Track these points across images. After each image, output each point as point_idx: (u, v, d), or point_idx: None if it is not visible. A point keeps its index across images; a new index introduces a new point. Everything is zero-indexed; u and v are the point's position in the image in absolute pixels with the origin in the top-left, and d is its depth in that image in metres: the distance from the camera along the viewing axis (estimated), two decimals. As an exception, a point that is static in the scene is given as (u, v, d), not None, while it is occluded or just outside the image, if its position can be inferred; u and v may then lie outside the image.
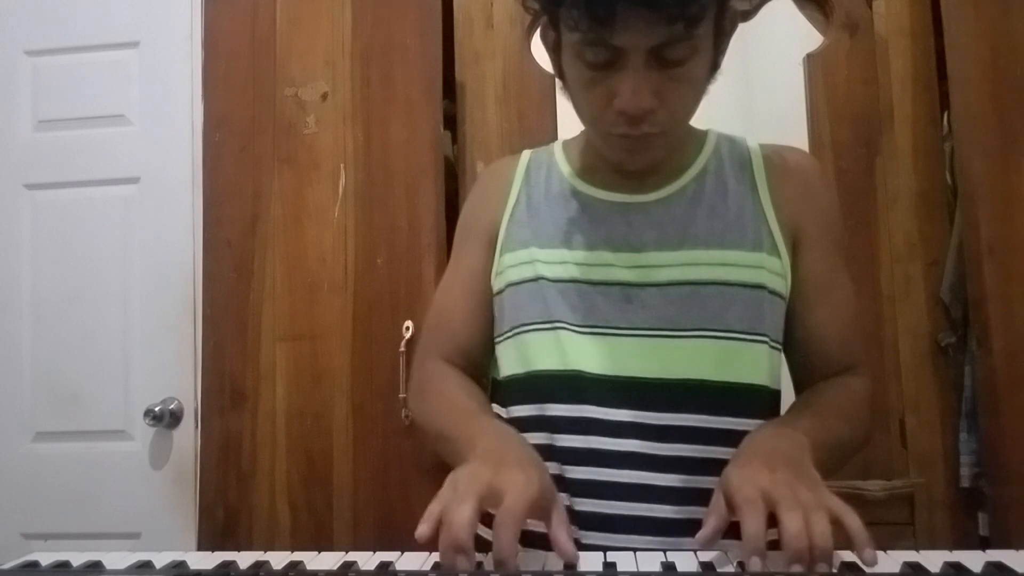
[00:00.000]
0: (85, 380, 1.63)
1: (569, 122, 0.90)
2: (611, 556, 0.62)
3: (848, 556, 0.57)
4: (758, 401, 0.79)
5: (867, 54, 1.52)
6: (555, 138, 1.40)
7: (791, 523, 0.54)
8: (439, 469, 0.70)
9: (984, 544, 1.36)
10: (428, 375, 0.89)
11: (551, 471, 0.76)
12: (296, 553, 0.63)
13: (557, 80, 0.82)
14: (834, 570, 0.55)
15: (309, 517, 1.47)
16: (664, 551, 0.64)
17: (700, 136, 0.89)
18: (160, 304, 1.62)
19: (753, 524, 0.55)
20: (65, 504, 1.61)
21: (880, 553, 0.56)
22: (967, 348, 1.41)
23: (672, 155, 0.84)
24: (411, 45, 1.54)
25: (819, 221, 0.85)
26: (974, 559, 0.57)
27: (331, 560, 0.61)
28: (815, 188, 0.87)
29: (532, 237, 0.85)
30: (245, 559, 0.61)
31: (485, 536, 0.61)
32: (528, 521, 0.59)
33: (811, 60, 1.54)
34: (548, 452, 0.77)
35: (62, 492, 1.61)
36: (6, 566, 0.61)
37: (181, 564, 0.61)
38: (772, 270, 0.81)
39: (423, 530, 0.56)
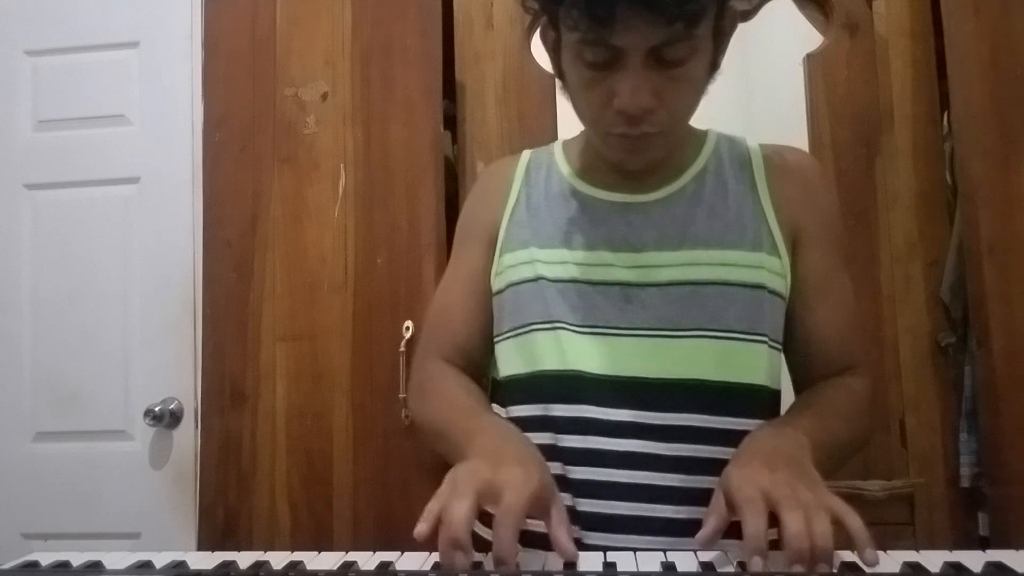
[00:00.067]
0: (85, 380, 1.63)
1: (569, 122, 0.90)
2: (611, 556, 0.62)
3: (848, 556, 0.57)
4: (758, 401, 0.79)
5: (867, 54, 1.52)
6: (555, 138, 1.40)
7: (792, 523, 0.54)
8: (439, 469, 0.70)
9: (984, 544, 1.36)
10: (428, 375, 0.89)
11: (554, 471, 0.76)
12: (296, 553, 0.63)
13: (557, 80, 0.82)
14: (834, 570, 0.55)
15: (309, 517, 1.47)
16: (664, 551, 0.64)
17: (700, 136, 0.89)
18: (160, 304, 1.62)
19: (754, 524, 0.55)
20: (65, 504, 1.61)
21: (880, 553, 0.56)
22: (967, 348, 1.41)
23: (672, 155, 0.84)
24: (411, 45, 1.54)
25: (819, 221, 0.85)
26: (974, 559, 0.58)
27: (331, 560, 0.61)
28: (815, 188, 0.87)
29: (532, 237, 0.85)
30: (245, 559, 0.61)
31: (485, 536, 0.61)
32: (528, 521, 0.59)
33: (811, 60, 1.54)
34: (552, 452, 0.77)
35: (62, 492, 1.61)
36: (6, 566, 0.61)
37: (181, 564, 0.61)
38: (772, 270, 0.81)
39: (422, 529, 0.56)
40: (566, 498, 0.75)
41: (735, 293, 0.79)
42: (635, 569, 0.59)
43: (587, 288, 0.81)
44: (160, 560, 0.61)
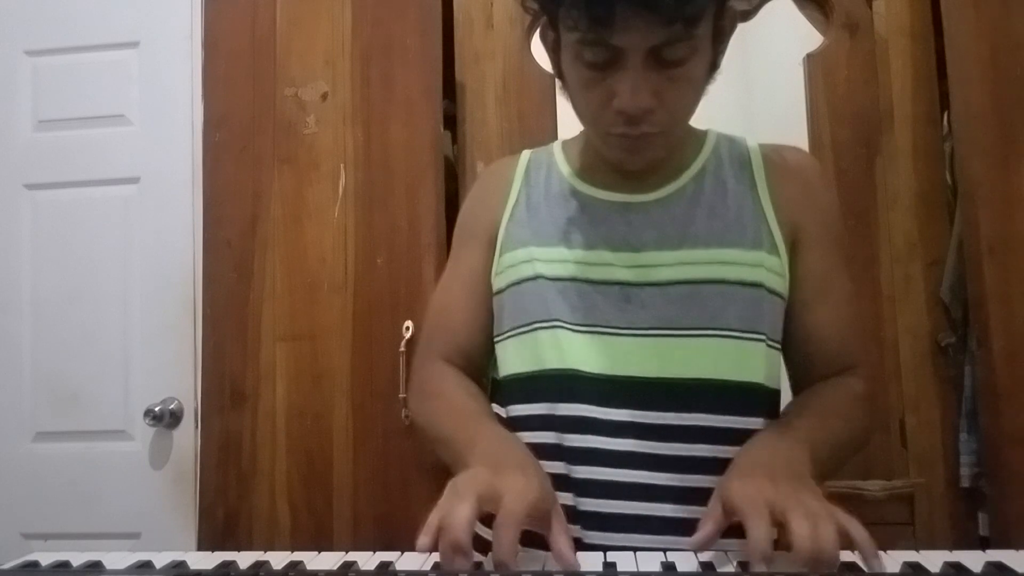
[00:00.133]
0: (85, 380, 1.63)
1: (569, 122, 0.90)
2: (611, 556, 0.62)
3: (847, 556, 0.57)
4: (757, 400, 0.79)
5: (867, 54, 1.52)
6: (555, 138, 1.39)
7: (801, 528, 0.54)
8: (439, 469, 0.70)
9: (984, 544, 1.36)
10: (428, 376, 0.89)
11: (558, 471, 0.76)
12: (296, 553, 0.63)
13: (557, 80, 0.82)
14: (834, 570, 0.56)
15: (309, 517, 1.47)
16: (664, 551, 0.64)
17: (699, 136, 0.89)
18: (160, 304, 1.62)
19: (759, 529, 0.55)
20: (65, 504, 1.61)
21: (880, 553, 0.56)
22: (967, 348, 1.41)
23: (671, 155, 0.84)
24: (411, 45, 1.54)
25: (818, 220, 0.85)
26: (974, 559, 0.58)
27: (331, 560, 0.61)
28: (815, 187, 0.87)
29: (531, 236, 0.85)
30: (245, 559, 0.61)
31: (485, 536, 0.61)
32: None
33: (811, 60, 1.54)
34: (555, 452, 0.77)
35: (62, 492, 1.61)
36: (6, 566, 0.61)
37: (181, 564, 0.61)
38: (771, 269, 0.81)
39: (423, 542, 0.56)
40: (568, 497, 0.75)
41: (734, 292, 0.79)
42: (635, 569, 0.59)
43: (586, 287, 0.81)
44: (160, 560, 0.61)
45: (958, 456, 1.41)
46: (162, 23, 1.67)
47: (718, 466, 0.71)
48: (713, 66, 0.78)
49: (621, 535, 0.74)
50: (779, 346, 0.83)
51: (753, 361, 0.79)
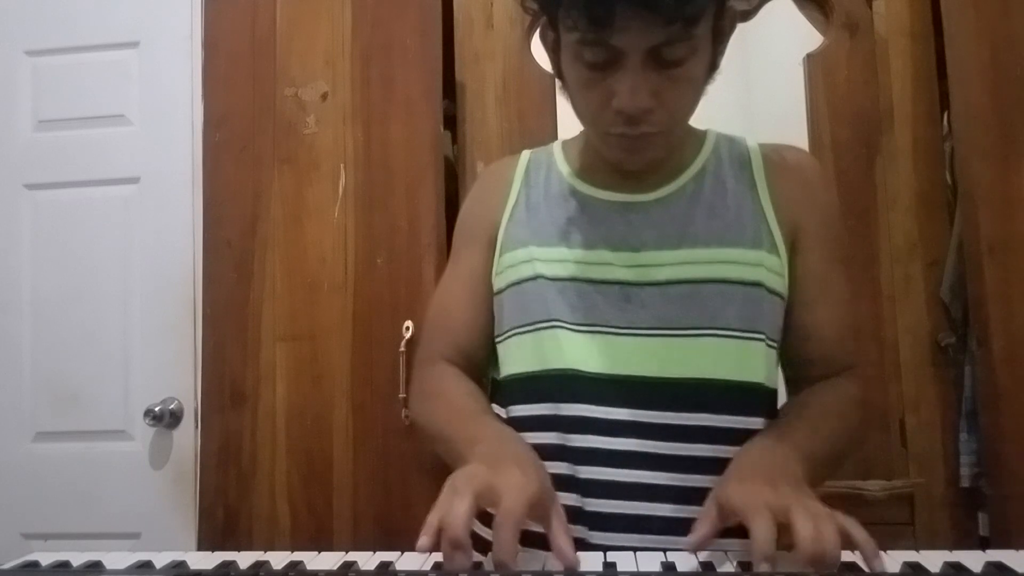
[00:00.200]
0: (85, 380, 1.63)
1: (569, 122, 0.90)
2: (611, 556, 0.62)
3: (848, 556, 0.57)
4: (756, 399, 0.79)
5: (867, 54, 1.52)
6: (555, 138, 1.40)
7: (804, 528, 0.55)
8: (439, 469, 0.70)
9: (984, 544, 1.36)
10: (428, 376, 0.89)
11: (562, 471, 0.76)
12: (296, 553, 0.63)
13: (557, 80, 0.82)
14: (835, 570, 0.56)
15: (309, 517, 1.47)
16: (664, 551, 0.64)
17: (699, 136, 0.89)
18: (160, 304, 1.62)
19: (763, 528, 0.55)
20: (65, 504, 1.61)
21: (881, 553, 0.56)
22: (967, 348, 1.41)
23: (671, 155, 0.84)
24: (411, 45, 1.54)
25: (818, 220, 0.85)
26: (974, 559, 0.58)
27: (331, 560, 0.61)
28: (814, 187, 0.87)
29: (531, 236, 0.85)
30: (245, 559, 0.61)
31: (485, 536, 0.61)
32: (528, 522, 0.59)
33: (811, 60, 1.54)
34: (560, 452, 0.77)
35: (62, 492, 1.61)
36: (6, 566, 0.61)
37: (181, 564, 0.61)
38: (771, 268, 0.81)
39: (423, 542, 0.55)
40: (573, 498, 0.76)
41: (734, 291, 0.79)
42: (635, 569, 0.59)
43: (586, 287, 0.81)
44: (160, 560, 0.61)
45: (958, 456, 1.41)
46: (162, 23, 1.67)
47: (719, 466, 0.71)
48: (713, 66, 0.78)
49: (625, 535, 0.74)
50: (777, 346, 0.83)
51: (753, 361, 0.79)
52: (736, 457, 0.71)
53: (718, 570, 0.59)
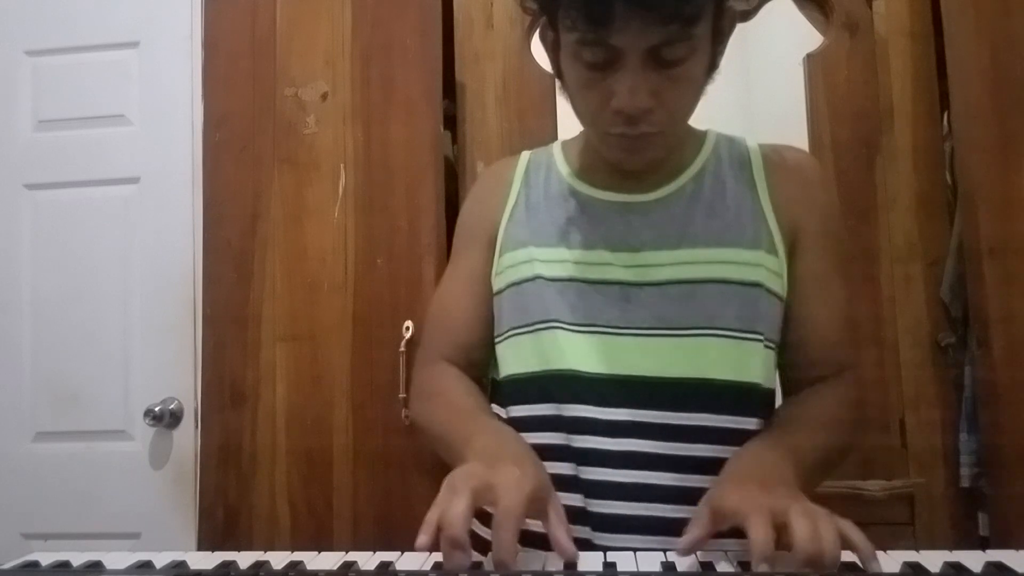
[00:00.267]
0: (85, 380, 1.62)
1: (569, 122, 0.90)
2: (611, 556, 0.62)
3: (847, 556, 0.57)
4: (754, 400, 0.79)
5: (867, 54, 1.52)
6: (555, 138, 1.40)
7: (802, 528, 0.55)
8: (439, 469, 0.70)
9: (984, 544, 1.36)
10: (428, 377, 0.89)
11: (566, 472, 0.76)
12: (296, 553, 0.63)
13: (557, 80, 0.82)
14: (834, 570, 0.56)
15: (309, 517, 1.47)
16: (664, 551, 0.64)
17: (699, 136, 0.89)
18: (160, 304, 1.62)
19: (761, 529, 0.55)
20: (65, 504, 1.61)
21: (880, 553, 0.56)
22: (967, 348, 1.41)
23: (671, 155, 0.84)
24: (411, 45, 1.54)
25: (818, 221, 0.85)
26: (974, 559, 0.58)
27: (331, 560, 0.61)
28: (814, 187, 0.87)
29: (530, 237, 0.85)
30: (245, 559, 0.61)
31: (485, 536, 0.61)
32: (528, 521, 0.59)
33: (811, 60, 1.54)
34: (563, 453, 0.77)
35: (62, 492, 1.61)
36: (6, 566, 0.61)
37: (181, 564, 0.61)
38: (770, 269, 0.81)
39: (422, 541, 0.56)
40: (577, 499, 0.75)
41: (733, 291, 0.79)
42: (635, 569, 0.59)
43: (586, 287, 0.81)
44: (160, 560, 0.61)
45: (958, 456, 1.41)
46: (162, 23, 1.67)
47: (717, 466, 0.71)
48: (712, 66, 0.78)
49: (629, 536, 0.74)
50: (775, 346, 0.83)
51: (751, 361, 0.79)
52: (729, 462, 0.71)
53: (718, 570, 0.59)
